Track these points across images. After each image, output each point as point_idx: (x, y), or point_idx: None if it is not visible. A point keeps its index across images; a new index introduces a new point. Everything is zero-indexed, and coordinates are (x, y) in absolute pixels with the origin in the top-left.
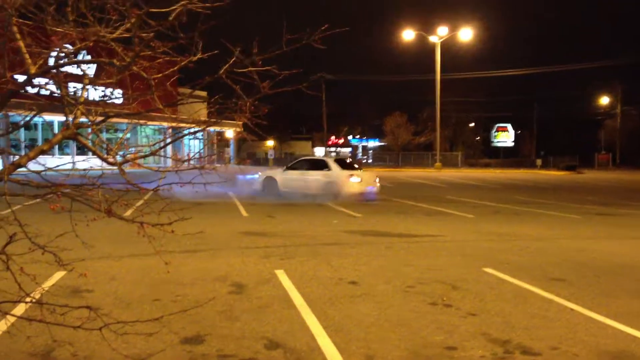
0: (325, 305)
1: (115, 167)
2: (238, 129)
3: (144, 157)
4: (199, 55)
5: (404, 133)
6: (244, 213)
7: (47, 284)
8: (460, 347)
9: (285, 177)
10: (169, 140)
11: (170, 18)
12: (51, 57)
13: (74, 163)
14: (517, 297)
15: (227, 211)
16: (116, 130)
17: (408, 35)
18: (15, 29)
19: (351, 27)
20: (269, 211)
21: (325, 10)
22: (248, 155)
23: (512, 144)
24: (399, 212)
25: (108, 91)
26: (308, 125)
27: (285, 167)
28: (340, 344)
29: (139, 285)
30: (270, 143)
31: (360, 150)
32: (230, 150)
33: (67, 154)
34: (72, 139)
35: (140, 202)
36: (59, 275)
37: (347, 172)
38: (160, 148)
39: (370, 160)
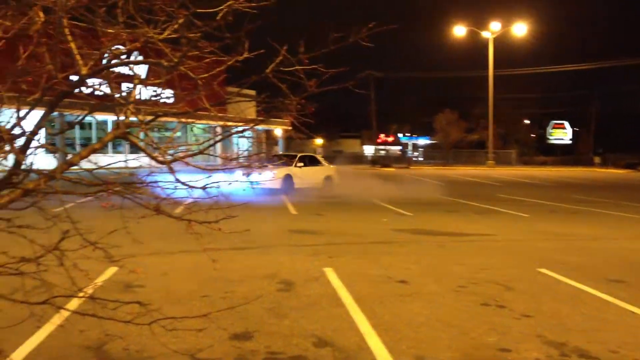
0: (374, 304)
1: (164, 166)
2: (286, 128)
3: (193, 155)
4: (245, 55)
5: (454, 130)
6: (292, 211)
7: (100, 279)
8: (514, 349)
9: (298, 174)
10: (216, 138)
11: (217, 18)
12: (104, 58)
13: (126, 161)
14: (573, 298)
15: (276, 209)
16: (167, 130)
17: (459, 31)
18: (66, 30)
19: (401, 24)
20: (318, 209)
21: (374, 8)
22: None
23: (570, 141)
24: (450, 210)
25: (158, 91)
26: (357, 123)
27: (294, 164)
28: (390, 344)
29: (189, 282)
30: (318, 141)
31: (410, 148)
32: (279, 149)
33: (120, 152)
34: (122, 138)
35: (189, 200)
36: (111, 270)
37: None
38: (209, 147)
39: (420, 158)
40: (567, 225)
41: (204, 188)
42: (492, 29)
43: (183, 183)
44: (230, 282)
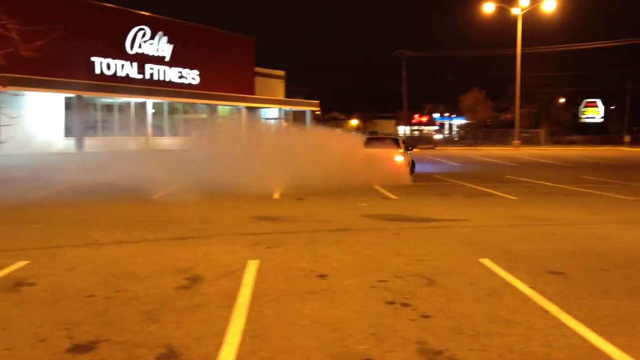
0: (269, 304)
1: None
2: (315, 109)
3: None
4: None
5: (482, 110)
6: (275, 196)
7: None
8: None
9: None
10: None
11: None
12: None
13: None
14: (492, 295)
15: (259, 193)
16: None
17: (488, 7)
18: None
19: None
20: (303, 194)
21: None
22: None
23: (602, 120)
24: (440, 193)
25: None
26: (394, 103)
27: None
28: (244, 355)
29: (92, 277)
30: (353, 122)
31: (447, 128)
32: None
33: None
34: None
35: None
36: (18, 265)
37: None
38: None
39: (455, 139)
40: (551, 209)
41: None
42: (522, 4)
43: None
44: (135, 278)
